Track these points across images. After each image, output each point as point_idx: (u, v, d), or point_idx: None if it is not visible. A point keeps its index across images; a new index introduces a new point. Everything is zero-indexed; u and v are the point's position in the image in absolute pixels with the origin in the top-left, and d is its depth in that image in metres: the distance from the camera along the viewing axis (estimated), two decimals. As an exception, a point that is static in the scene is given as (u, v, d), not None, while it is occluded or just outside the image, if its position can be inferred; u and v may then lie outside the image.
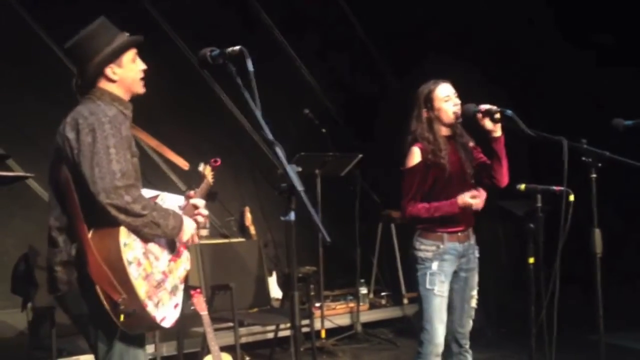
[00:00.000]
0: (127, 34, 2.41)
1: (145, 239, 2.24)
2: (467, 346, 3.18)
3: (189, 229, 2.37)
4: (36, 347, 3.86)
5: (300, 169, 2.02)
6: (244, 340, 4.56)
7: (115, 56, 2.34)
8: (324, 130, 5.23)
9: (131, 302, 2.13)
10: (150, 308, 2.19)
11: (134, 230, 2.19)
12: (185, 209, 2.51)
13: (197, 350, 4.01)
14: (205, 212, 2.55)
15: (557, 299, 2.77)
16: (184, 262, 2.45)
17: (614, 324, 3.10)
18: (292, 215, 1.97)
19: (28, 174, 4.11)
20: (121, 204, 2.13)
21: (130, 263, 2.15)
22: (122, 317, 2.13)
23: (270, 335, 4.62)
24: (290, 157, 2.85)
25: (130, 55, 2.39)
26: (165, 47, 5.46)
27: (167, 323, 2.28)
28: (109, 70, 2.34)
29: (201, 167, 2.83)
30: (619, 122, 2.98)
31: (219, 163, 2.86)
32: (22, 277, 3.96)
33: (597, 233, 2.76)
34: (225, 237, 5.47)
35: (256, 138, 5.81)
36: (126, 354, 2.26)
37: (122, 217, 2.14)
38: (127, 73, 2.37)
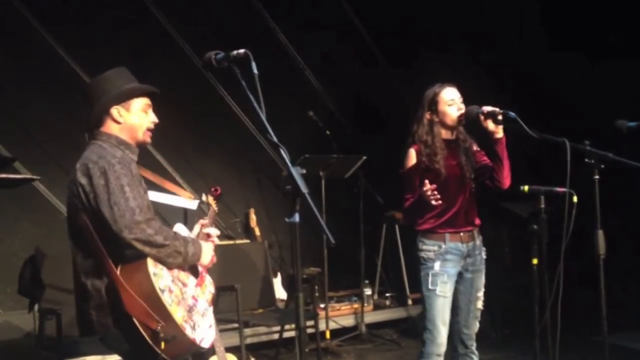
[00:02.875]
0: (149, 86, 2.47)
1: (171, 268, 2.32)
2: (474, 347, 3.20)
3: (207, 253, 2.45)
4: (43, 348, 3.89)
5: (304, 171, 2.04)
6: (249, 341, 4.57)
7: (122, 99, 2.39)
8: (328, 132, 5.25)
9: (170, 328, 2.20)
10: (189, 331, 2.26)
11: (159, 261, 2.26)
12: (199, 236, 2.61)
13: (203, 351, 4.02)
14: (217, 241, 2.65)
15: (560, 300, 2.78)
16: (209, 286, 2.55)
17: (618, 325, 3.11)
18: (296, 217, 1.98)
19: (34, 177, 4.14)
20: (145, 238, 2.20)
21: (162, 291, 2.22)
22: (163, 345, 2.18)
23: (275, 336, 4.63)
24: (295, 159, 2.86)
25: (141, 104, 2.43)
26: (170, 50, 5.48)
27: (206, 343, 2.36)
28: (114, 111, 2.39)
29: (204, 198, 2.96)
30: (622, 124, 2.98)
31: (219, 192, 3.01)
32: (29, 279, 3.99)
33: (600, 234, 2.77)
34: (231, 238, 5.49)
35: (261, 140, 5.83)
36: None
37: (147, 249, 2.22)
38: (133, 119, 2.41)
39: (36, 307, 3.94)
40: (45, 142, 4.89)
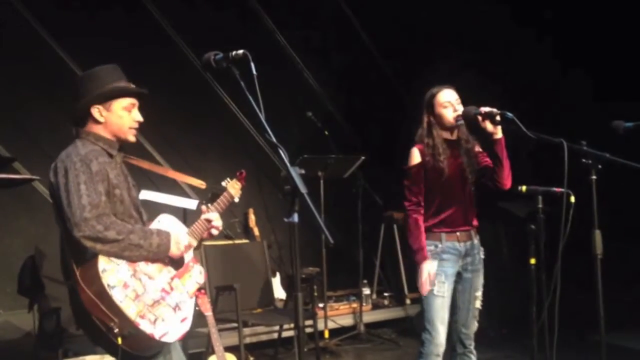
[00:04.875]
0: (132, 85, 2.46)
1: (133, 262, 2.30)
2: (472, 347, 3.21)
3: (178, 243, 2.39)
4: (42, 348, 3.89)
5: (303, 171, 2.05)
6: (248, 340, 4.59)
7: (103, 99, 2.40)
8: (326, 132, 5.26)
9: (123, 324, 2.21)
10: (144, 326, 2.25)
11: (116, 256, 2.25)
12: (195, 227, 2.55)
13: (202, 351, 4.03)
14: (220, 223, 2.59)
15: (558, 300, 2.79)
16: (195, 277, 2.51)
17: (616, 324, 3.12)
18: (295, 217, 1.99)
19: (34, 177, 4.15)
20: (93, 235, 2.20)
21: (112, 287, 2.22)
22: (119, 340, 2.21)
23: (274, 336, 4.65)
24: (294, 159, 2.87)
25: (124, 103, 2.43)
26: (168, 51, 5.49)
27: (170, 338, 2.33)
28: (95, 111, 2.40)
29: (224, 183, 2.82)
30: (619, 124, 3.00)
31: (244, 174, 2.85)
32: (29, 279, 4.00)
33: (598, 234, 2.78)
34: (230, 238, 5.50)
35: (260, 140, 5.84)
36: None
37: (98, 246, 2.22)
38: (114, 118, 2.42)
39: (36, 306, 3.95)
40: (44, 143, 4.89)
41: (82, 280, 2.23)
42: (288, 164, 2.01)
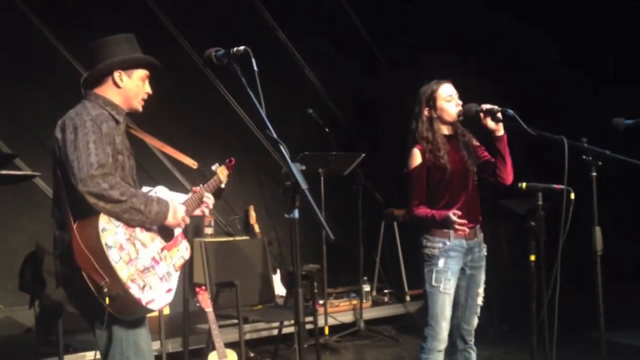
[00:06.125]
0: (155, 60, 2.53)
1: (130, 226, 2.33)
2: (472, 343, 3.21)
3: (176, 213, 2.43)
4: (44, 344, 3.90)
5: (304, 168, 2.05)
6: (248, 336, 4.60)
7: (127, 65, 2.46)
8: (327, 129, 5.26)
9: (114, 284, 2.23)
10: (134, 290, 2.27)
11: (116, 217, 2.28)
12: (188, 201, 2.59)
13: (202, 347, 4.04)
14: (212, 200, 2.64)
15: (558, 297, 2.80)
16: (182, 251, 2.54)
17: (615, 321, 3.13)
18: (296, 213, 2.00)
19: (35, 173, 4.16)
20: (97, 191, 2.22)
21: (109, 247, 2.24)
22: (107, 300, 2.22)
23: (275, 332, 4.65)
24: (294, 156, 2.87)
25: (142, 73, 2.51)
26: (169, 47, 5.49)
27: (155, 305, 2.36)
28: (116, 75, 2.45)
29: (214, 167, 2.87)
30: (619, 122, 3.00)
31: (234, 162, 2.90)
32: (30, 275, 4.00)
33: (598, 231, 2.78)
34: (230, 235, 5.52)
35: (260, 137, 5.84)
36: (126, 341, 2.36)
37: (100, 204, 2.24)
38: (132, 86, 2.48)
39: (37, 303, 3.96)
40: (45, 139, 4.83)
41: (78, 234, 2.25)
42: (289, 160, 2.01)
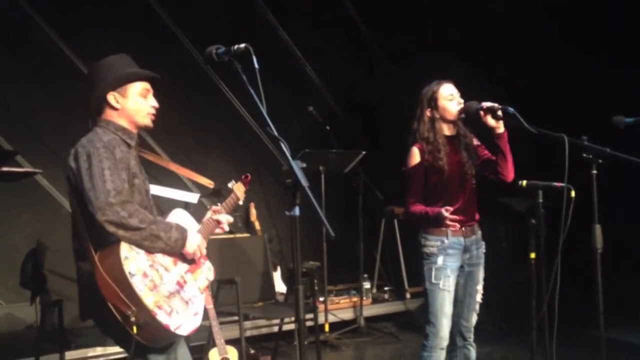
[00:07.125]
0: (146, 71, 2.47)
1: (151, 252, 2.31)
2: (472, 340, 3.22)
3: (193, 242, 2.41)
4: (45, 340, 3.91)
5: (305, 165, 2.05)
6: (249, 333, 4.61)
7: (118, 83, 2.41)
8: (327, 127, 5.26)
9: (140, 313, 2.20)
10: (161, 317, 2.24)
11: (136, 244, 2.26)
12: (206, 222, 2.58)
13: (203, 343, 4.05)
14: (227, 228, 2.62)
15: (557, 294, 2.80)
16: (206, 273, 2.52)
17: (615, 319, 3.13)
18: (296, 211, 2.00)
19: (36, 170, 4.15)
20: (117, 220, 2.20)
21: (133, 275, 2.21)
22: (135, 329, 2.19)
23: (275, 329, 4.66)
24: (295, 154, 2.87)
25: (139, 88, 2.44)
26: (170, 45, 5.49)
27: (184, 331, 2.33)
28: (110, 97, 2.41)
29: (230, 184, 2.84)
30: (619, 120, 3.00)
31: (249, 178, 2.86)
32: (31, 272, 4.01)
33: (598, 228, 2.79)
34: (231, 232, 5.51)
35: (261, 134, 5.85)
36: None
37: (120, 232, 2.22)
38: (130, 104, 2.43)
39: (38, 299, 3.97)
40: (46, 136, 4.91)
41: (100, 264, 2.22)
42: (289, 157, 2.01)
